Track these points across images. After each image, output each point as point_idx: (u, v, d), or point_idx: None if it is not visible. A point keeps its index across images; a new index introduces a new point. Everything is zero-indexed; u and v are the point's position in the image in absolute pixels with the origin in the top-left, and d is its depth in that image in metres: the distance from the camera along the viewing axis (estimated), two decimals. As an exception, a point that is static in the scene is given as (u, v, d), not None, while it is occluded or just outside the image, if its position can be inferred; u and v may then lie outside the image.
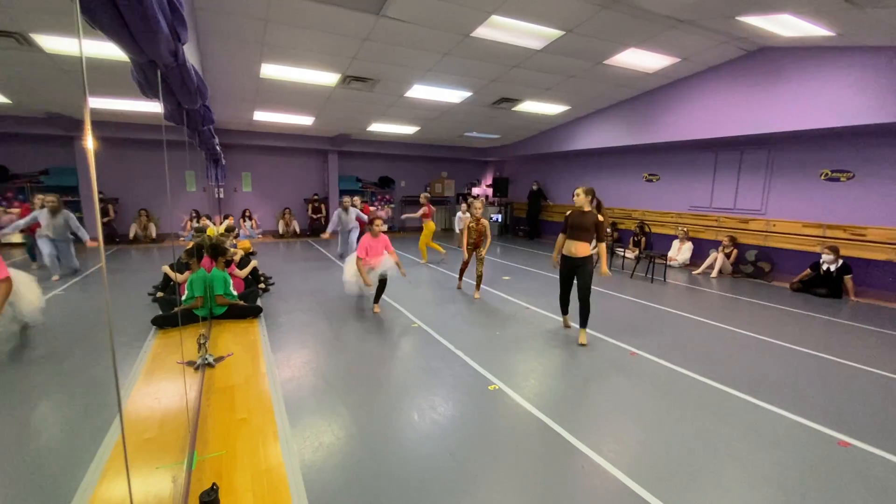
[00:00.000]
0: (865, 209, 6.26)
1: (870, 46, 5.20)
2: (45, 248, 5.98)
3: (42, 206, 6.05)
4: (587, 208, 3.97)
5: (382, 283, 4.95)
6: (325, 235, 7.12)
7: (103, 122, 9.15)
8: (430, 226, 8.00)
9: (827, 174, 6.64)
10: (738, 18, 4.96)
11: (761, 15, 4.80)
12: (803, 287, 6.46)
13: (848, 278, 6.09)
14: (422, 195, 8.19)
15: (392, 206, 13.66)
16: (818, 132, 6.12)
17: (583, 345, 3.99)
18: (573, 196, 4.00)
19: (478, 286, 5.72)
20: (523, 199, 13.11)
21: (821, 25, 4.84)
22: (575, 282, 4.11)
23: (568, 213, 4.07)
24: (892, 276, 6.02)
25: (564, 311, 4.48)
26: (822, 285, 6.25)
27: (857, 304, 5.93)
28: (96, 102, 7.51)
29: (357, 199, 8.23)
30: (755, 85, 6.30)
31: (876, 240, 6.09)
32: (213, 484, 1.88)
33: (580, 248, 3.97)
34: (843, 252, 6.20)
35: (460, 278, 6.17)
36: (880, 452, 2.44)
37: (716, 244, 7.90)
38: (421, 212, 8.06)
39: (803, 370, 3.60)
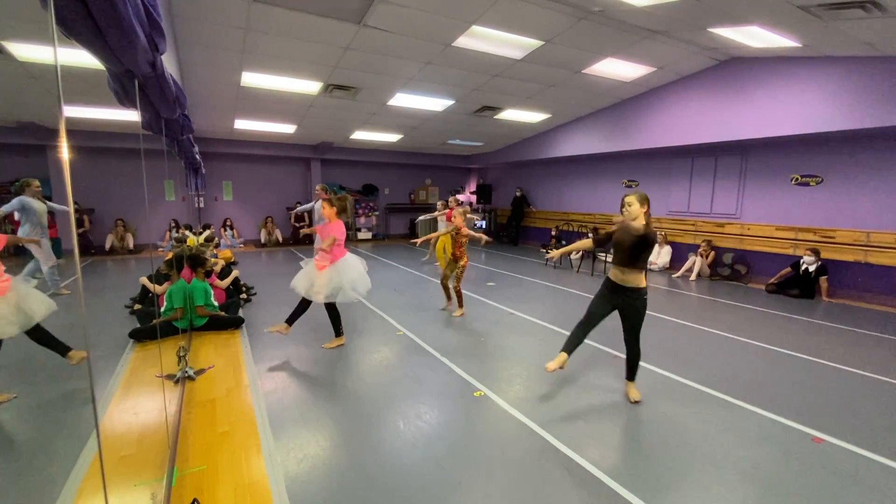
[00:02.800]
0: (834, 212, 6.50)
1: (834, 56, 5.45)
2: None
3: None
4: (642, 221, 2.85)
5: (331, 306, 3.90)
6: (295, 211, 6.75)
7: (77, 131, 8.92)
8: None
9: (797, 179, 6.89)
10: (709, 30, 5.14)
11: (731, 27, 4.99)
12: (778, 288, 6.66)
13: (823, 279, 6.31)
14: (439, 202, 7.94)
15: (376, 213, 13.62)
16: (787, 139, 6.35)
17: (637, 402, 3.04)
18: (623, 208, 2.91)
19: (460, 303, 5.11)
20: (507, 206, 13.22)
21: (787, 37, 5.05)
22: (610, 318, 3.09)
23: (614, 226, 2.99)
24: (860, 276, 6.25)
25: (570, 346, 3.00)
26: (797, 286, 6.45)
27: (829, 304, 6.14)
28: (70, 111, 7.33)
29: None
30: (727, 93, 6.52)
31: (844, 242, 6.33)
32: (195, 500, 1.85)
33: (632, 277, 2.92)
34: (814, 254, 6.43)
35: (448, 297, 5.35)
36: (852, 447, 2.53)
37: (694, 248, 8.09)
38: (442, 215, 7.68)
39: (779, 369, 3.71)
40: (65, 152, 1.11)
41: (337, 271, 3.78)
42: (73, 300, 5.56)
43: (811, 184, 6.74)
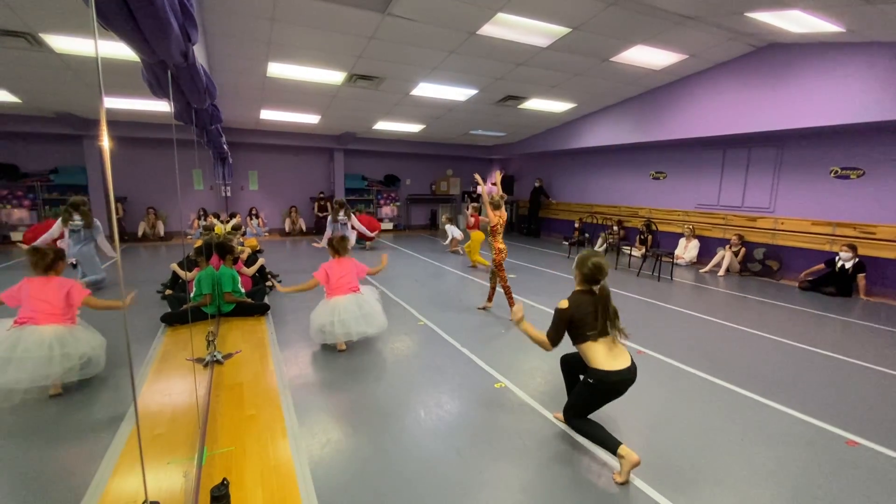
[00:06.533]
0: (876, 207, 6.19)
1: (880, 42, 5.14)
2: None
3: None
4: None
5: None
6: (318, 245, 7.35)
7: (112, 122, 9.23)
8: (477, 235, 7.61)
9: (837, 171, 6.57)
10: (746, 15, 4.91)
11: (770, 11, 4.76)
12: (812, 286, 6.41)
13: (861, 276, 6.04)
14: (470, 205, 8.18)
15: (398, 204, 13.69)
16: (828, 129, 6.06)
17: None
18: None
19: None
20: (528, 197, 13.09)
21: (830, 21, 4.79)
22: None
23: (567, 303, 2.40)
24: (902, 274, 5.96)
25: (612, 444, 2.19)
26: (833, 283, 6.19)
27: (867, 302, 5.88)
28: (106, 102, 7.58)
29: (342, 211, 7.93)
30: (764, 82, 6.24)
31: (886, 238, 6.03)
32: (224, 479, 1.91)
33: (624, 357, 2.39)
34: (853, 250, 6.15)
35: (511, 303, 4.68)
36: (889, 452, 2.43)
37: (723, 242, 7.84)
38: (468, 223, 8.10)
39: (812, 369, 3.58)
40: (105, 142, 1.14)
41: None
42: (111, 284, 5.78)
43: (852, 176, 6.42)
